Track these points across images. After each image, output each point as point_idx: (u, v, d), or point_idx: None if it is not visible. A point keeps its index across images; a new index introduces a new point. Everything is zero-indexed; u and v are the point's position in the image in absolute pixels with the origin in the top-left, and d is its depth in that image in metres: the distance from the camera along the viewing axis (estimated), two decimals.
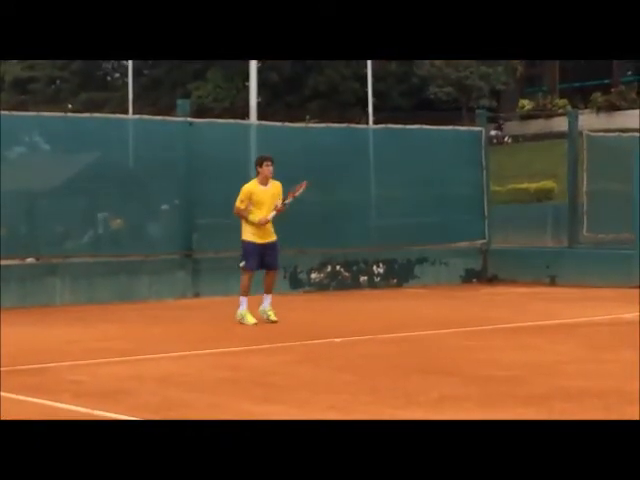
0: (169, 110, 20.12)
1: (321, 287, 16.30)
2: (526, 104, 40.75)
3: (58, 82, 46.81)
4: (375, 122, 23.70)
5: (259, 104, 23.93)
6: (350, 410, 6.38)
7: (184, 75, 41.38)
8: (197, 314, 13.12)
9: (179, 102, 16.45)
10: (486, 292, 16.22)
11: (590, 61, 36.76)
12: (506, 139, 39.37)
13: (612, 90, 39.46)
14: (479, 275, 17.78)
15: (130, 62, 29.70)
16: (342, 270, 16.60)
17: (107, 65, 46.44)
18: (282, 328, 11.14)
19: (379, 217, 17.27)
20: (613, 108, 38.09)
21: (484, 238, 17.91)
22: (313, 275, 16.31)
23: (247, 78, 25.55)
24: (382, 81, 37.69)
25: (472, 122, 21.43)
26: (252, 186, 11.60)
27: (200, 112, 26.58)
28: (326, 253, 16.50)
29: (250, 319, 11.40)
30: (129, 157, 15.42)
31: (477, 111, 21.03)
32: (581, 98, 39.77)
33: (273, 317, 11.55)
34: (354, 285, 16.55)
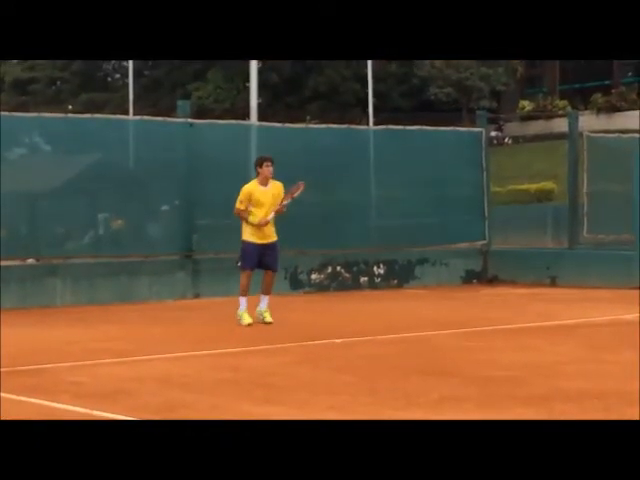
0: (169, 111, 20.15)
1: (321, 288, 16.30)
2: (526, 105, 40.78)
3: (58, 83, 46.81)
4: (375, 123, 23.69)
5: (259, 105, 23.92)
6: (350, 411, 6.38)
7: (184, 76, 41.39)
8: (197, 315, 13.13)
9: (179, 103, 16.46)
10: (486, 293, 16.21)
11: (590, 62, 36.80)
12: (506, 140, 39.42)
13: (612, 91, 39.48)
14: (479, 276, 17.78)
15: (130, 63, 29.67)
16: (342, 271, 16.59)
17: (107, 66, 46.45)
18: (282, 329, 11.13)
19: (379, 218, 17.26)
20: (613, 109, 38.11)
21: (484, 239, 17.90)
22: (313, 276, 16.31)
23: (247, 79, 25.59)
24: (382, 82, 37.69)
25: (472, 123, 21.44)
26: (252, 187, 11.58)
27: (200, 113, 26.61)
28: (326, 254, 16.49)
29: (246, 319, 11.39)
30: (129, 158, 15.42)
31: (477, 112, 21.02)
32: (581, 99, 39.80)
33: (268, 319, 11.53)
34: (354, 286, 16.54)
